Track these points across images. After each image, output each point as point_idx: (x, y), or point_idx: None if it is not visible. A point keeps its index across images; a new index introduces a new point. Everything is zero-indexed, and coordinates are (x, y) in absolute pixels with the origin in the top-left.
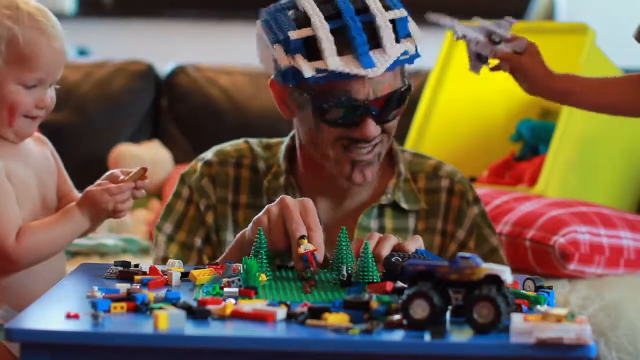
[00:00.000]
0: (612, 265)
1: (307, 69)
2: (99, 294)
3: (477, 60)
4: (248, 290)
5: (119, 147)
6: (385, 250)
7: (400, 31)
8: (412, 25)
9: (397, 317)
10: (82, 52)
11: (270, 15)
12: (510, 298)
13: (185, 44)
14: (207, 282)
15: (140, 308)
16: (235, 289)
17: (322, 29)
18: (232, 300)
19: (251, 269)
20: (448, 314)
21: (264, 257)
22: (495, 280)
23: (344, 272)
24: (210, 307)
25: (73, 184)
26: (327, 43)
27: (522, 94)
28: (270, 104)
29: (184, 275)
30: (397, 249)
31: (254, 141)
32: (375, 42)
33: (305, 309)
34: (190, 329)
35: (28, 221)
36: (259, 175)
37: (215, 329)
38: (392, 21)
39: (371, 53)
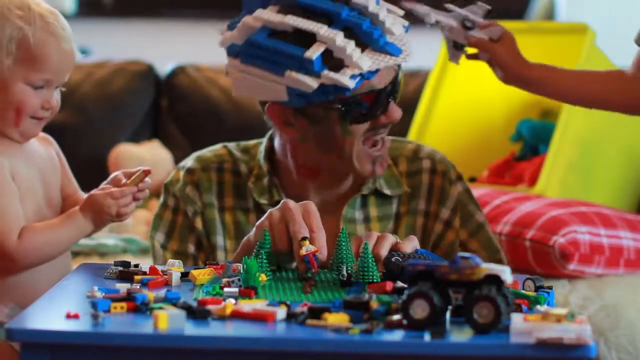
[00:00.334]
0: (612, 265)
1: (346, 80)
2: (99, 294)
3: (455, 48)
4: (248, 290)
5: (119, 147)
6: (384, 250)
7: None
8: (384, 4)
9: (397, 317)
10: (82, 52)
11: (254, 46)
12: (510, 298)
13: (185, 44)
14: (207, 282)
15: (140, 308)
16: (235, 289)
17: (337, 36)
18: (232, 300)
19: (251, 269)
20: (448, 314)
21: (264, 257)
22: (495, 280)
23: (344, 272)
24: (210, 307)
25: None
26: (350, 47)
27: (522, 94)
28: None
29: (184, 275)
30: (394, 249)
31: (232, 145)
32: None
33: (305, 309)
34: (190, 329)
35: (32, 220)
36: (242, 177)
37: (215, 329)
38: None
39: None
